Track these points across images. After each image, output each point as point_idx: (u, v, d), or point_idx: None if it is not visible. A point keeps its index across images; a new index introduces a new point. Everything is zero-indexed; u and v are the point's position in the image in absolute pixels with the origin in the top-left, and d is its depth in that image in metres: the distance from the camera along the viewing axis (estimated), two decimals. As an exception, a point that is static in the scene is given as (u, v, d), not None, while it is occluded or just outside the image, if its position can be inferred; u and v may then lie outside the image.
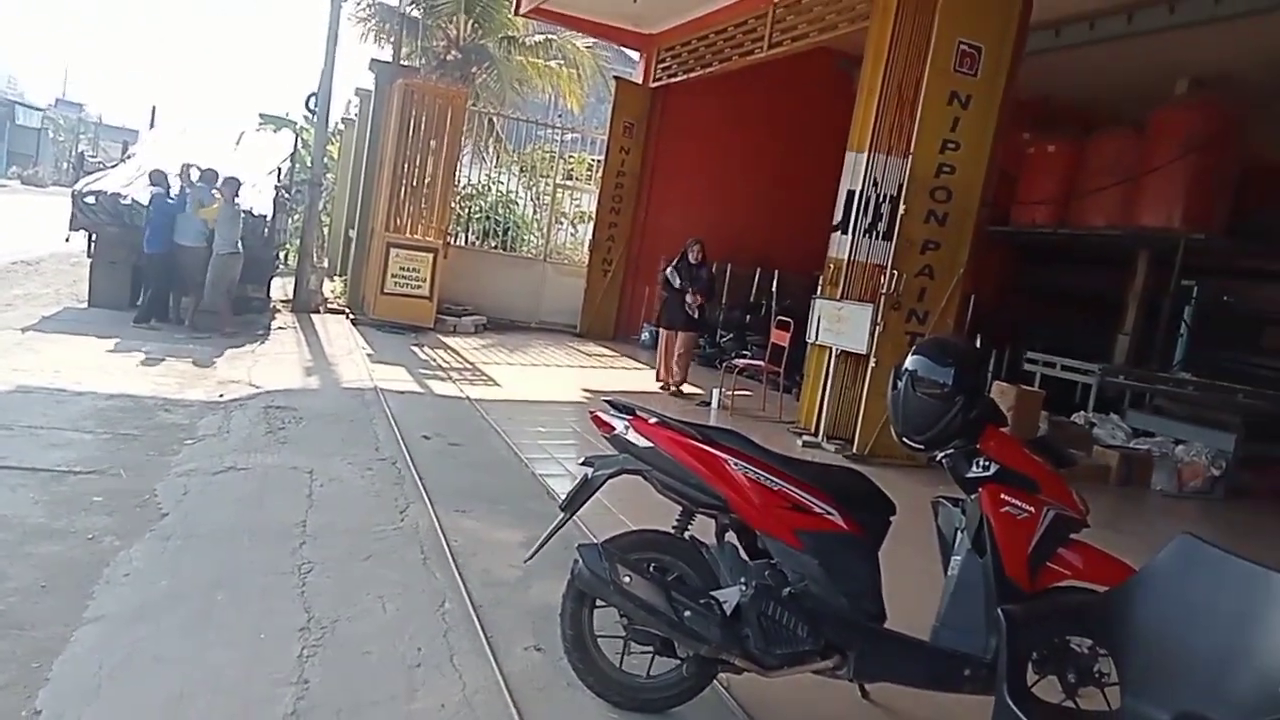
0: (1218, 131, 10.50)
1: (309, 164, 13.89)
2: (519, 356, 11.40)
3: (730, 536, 3.15)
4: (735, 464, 2.98)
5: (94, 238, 10.84)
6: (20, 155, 51.60)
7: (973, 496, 3.07)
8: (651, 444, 3.03)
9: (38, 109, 55.72)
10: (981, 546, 3.00)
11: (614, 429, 3.10)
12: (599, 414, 3.17)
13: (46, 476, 4.83)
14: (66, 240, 10.98)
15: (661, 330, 9.83)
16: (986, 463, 3.04)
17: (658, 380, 9.78)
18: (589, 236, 14.58)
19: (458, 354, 10.78)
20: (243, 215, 10.32)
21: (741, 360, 9.53)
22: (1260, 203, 11.97)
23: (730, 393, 9.17)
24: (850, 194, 7.98)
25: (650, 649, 3.02)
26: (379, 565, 4.07)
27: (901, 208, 7.50)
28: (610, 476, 3.10)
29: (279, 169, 13.49)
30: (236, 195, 10.12)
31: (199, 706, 2.83)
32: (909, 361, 3.09)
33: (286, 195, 13.47)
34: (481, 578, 4.00)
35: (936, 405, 3.00)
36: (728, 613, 2.90)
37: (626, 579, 2.89)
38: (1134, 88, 11.58)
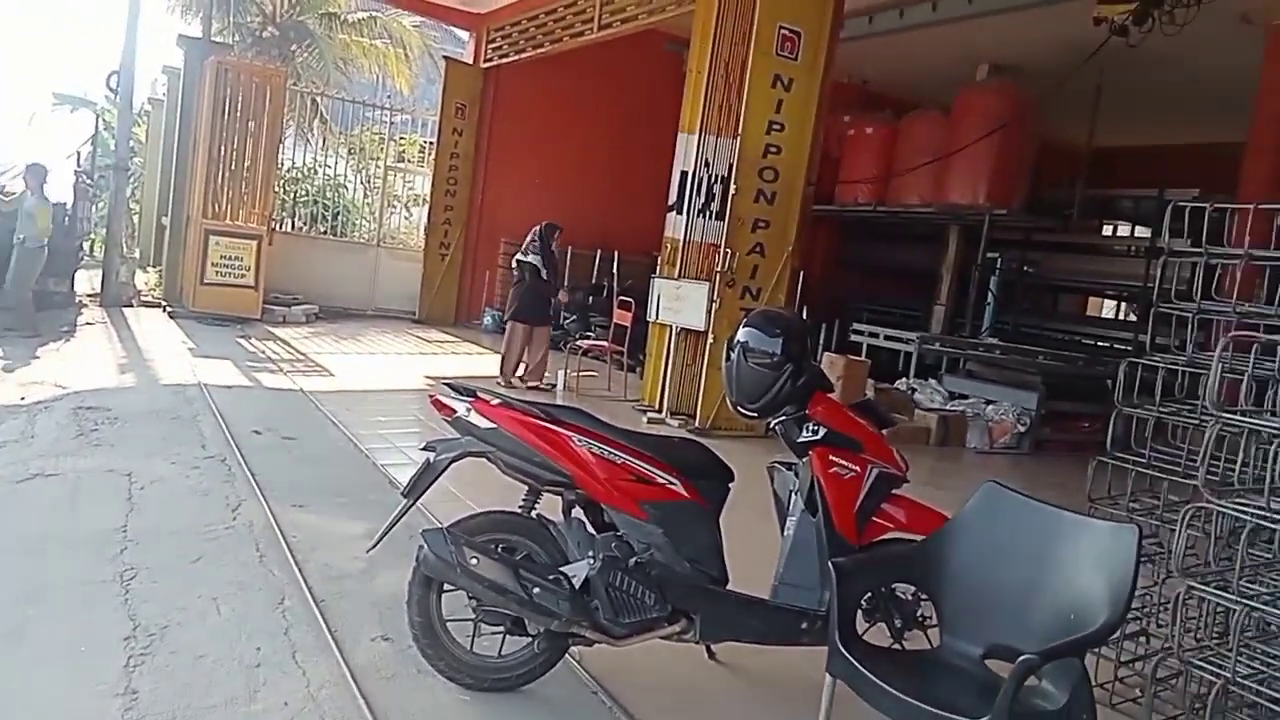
0: (1015, 114, 11.35)
1: (113, 147, 12.88)
2: (355, 345, 11.04)
3: (577, 512, 3.19)
4: (579, 440, 3.02)
5: None
6: None
7: (804, 459, 3.23)
8: (494, 425, 3.03)
9: None
10: (814, 506, 3.17)
11: (455, 412, 3.08)
12: (439, 397, 3.14)
13: None
14: None
15: (515, 323, 8.88)
16: (815, 427, 3.20)
17: (502, 375, 8.92)
18: (424, 220, 14.25)
19: (288, 345, 10.33)
20: (51, 205, 9.49)
21: (585, 341, 9.56)
22: (1053, 181, 13.08)
23: (575, 374, 9.21)
24: (684, 175, 8.16)
25: (500, 629, 3.03)
26: (211, 566, 3.87)
27: (733, 188, 7.73)
28: (453, 460, 3.08)
29: (78, 153, 12.48)
30: (44, 183, 9.25)
31: (12, 729, 2.64)
32: (740, 333, 3.22)
33: (88, 181, 12.47)
34: (323, 572, 3.88)
35: (767, 374, 3.13)
36: (576, 586, 2.94)
37: (473, 561, 2.88)
38: (941, 73, 12.36)
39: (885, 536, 3.21)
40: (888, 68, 13.23)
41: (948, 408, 9.18)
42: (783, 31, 7.64)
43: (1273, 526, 2.59)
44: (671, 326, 8.09)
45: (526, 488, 3.18)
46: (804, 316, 7.88)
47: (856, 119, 13.82)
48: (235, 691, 2.90)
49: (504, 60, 13.35)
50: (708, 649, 3.44)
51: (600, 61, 12.93)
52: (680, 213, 8.17)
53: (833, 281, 14.64)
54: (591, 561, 2.97)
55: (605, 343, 9.63)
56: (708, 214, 8.02)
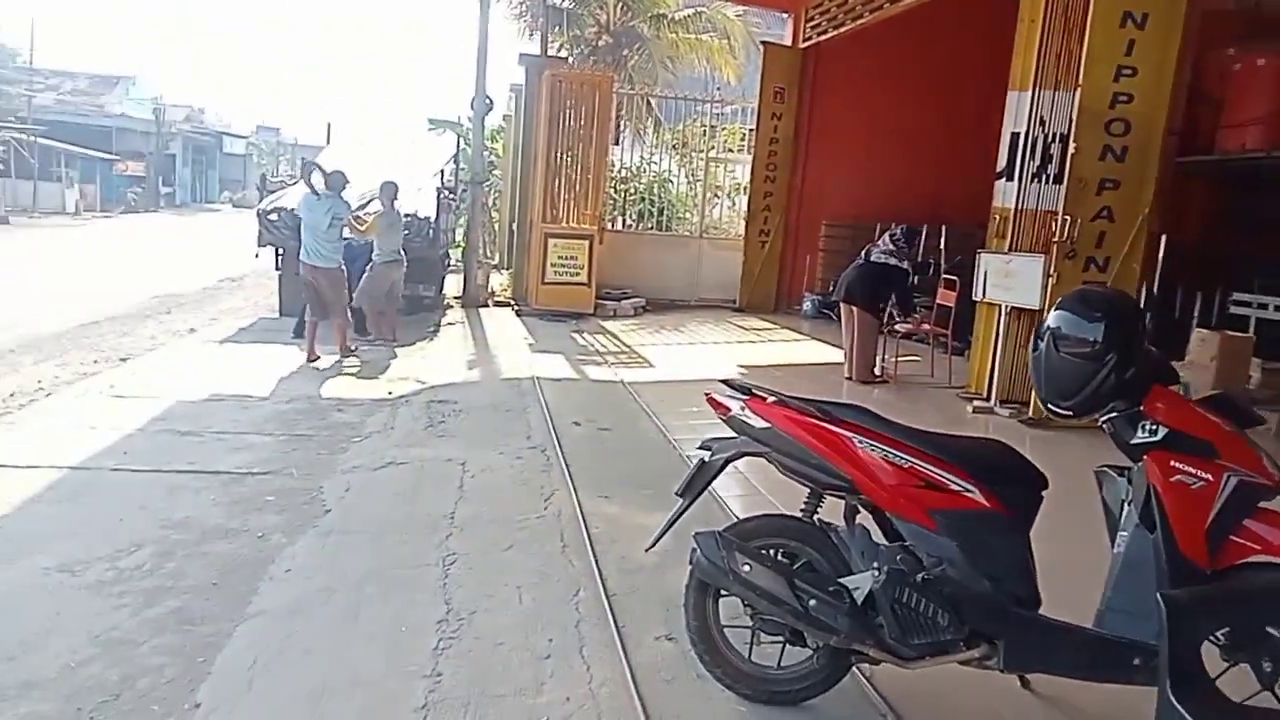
0: None
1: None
2: (676, 336, 11.35)
3: (864, 518, 2.94)
4: (860, 441, 2.77)
5: (280, 252, 11.62)
6: (230, 180, 56.66)
7: (1139, 465, 2.71)
8: (769, 424, 2.87)
9: (242, 136, 60.76)
10: (1150, 521, 2.64)
11: (729, 410, 2.96)
12: (714, 395, 3.04)
13: (228, 479, 5.19)
14: (255, 257, 11.82)
15: (844, 306, 8.52)
16: (1153, 427, 2.67)
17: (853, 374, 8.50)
18: (745, 208, 14.32)
19: (615, 337, 10.85)
20: (403, 219, 10.41)
21: (904, 325, 9.01)
22: None
23: (895, 359, 8.74)
24: (1014, 137, 7.41)
25: (780, 639, 2.86)
26: (519, 554, 4.10)
27: (1072, 146, 6.85)
28: (729, 460, 2.96)
29: (442, 171, 14.00)
30: (395, 199, 10.01)
31: (338, 700, 2.93)
32: (1050, 318, 2.76)
33: (450, 195, 13.96)
34: (619, 565, 3.96)
35: (1084, 366, 2.65)
36: (858, 600, 2.71)
37: (746, 567, 2.75)
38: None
39: (1251, 560, 2.60)
40: (1285, -16, 11.06)
41: (1368, 392, 7.48)
42: (1134, -42, 6.62)
43: None
44: (1001, 306, 7.37)
45: (809, 490, 2.98)
46: (1152, 291, 6.81)
47: (1243, 51, 11.73)
48: (524, 683, 3.01)
49: (823, 38, 12.98)
50: (1021, 678, 3.02)
51: (925, 24, 12.08)
52: (1011, 179, 7.42)
53: (1212, 244, 12.57)
54: (875, 574, 2.71)
55: (928, 324, 9.01)
56: (1043, 178, 7.20)
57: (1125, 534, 2.75)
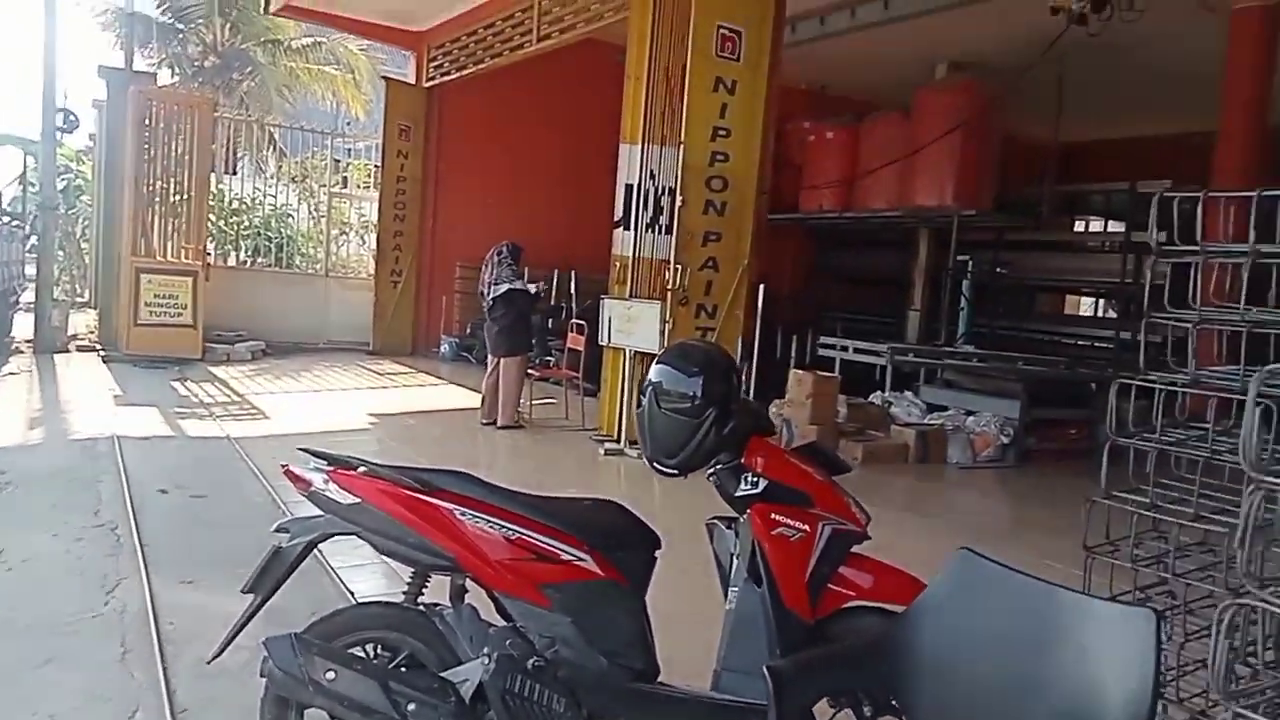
0: (976, 111, 10.94)
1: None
2: (299, 382, 10.42)
3: (475, 594, 2.64)
4: (463, 514, 2.48)
5: None
6: None
7: (744, 517, 2.71)
8: (358, 499, 2.48)
9: None
10: (757, 575, 2.64)
11: (311, 484, 2.53)
12: (291, 468, 2.59)
13: None
14: None
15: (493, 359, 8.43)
16: (754, 479, 2.67)
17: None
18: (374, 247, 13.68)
19: (225, 385, 9.71)
20: None
21: (534, 370, 8.99)
22: (1022, 178, 12.70)
23: (530, 402, 8.66)
24: (629, 188, 7.67)
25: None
26: (60, 671, 3.27)
27: (679, 199, 7.24)
28: (312, 545, 2.54)
29: (1, 193, 11.83)
30: None
31: None
32: (652, 373, 2.68)
33: (14, 223, 11.83)
34: (195, 670, 3.29)
35: (685, 422, 2.59)
36: (465, 696, 2.39)
37: (330, 675, 2.32)
38: (900, 73, 11.96)
39: (848, 606, 2.69)
40: (845, 71, 12.86)
41: (926, 421, 8.68)
42: (722, 31, 7.21)
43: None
44: (626, 350, 7.57)
45: (413, 570, 2.63)
46: (751, 338, 7.40)
47: (816, 124, 13.42)
48: None
49: (446, 78, 12.83)
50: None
51: (551, 75, 12.42)
52: (628, 228, 7.68)
53: (806, 293, 14.20)
54: (484, 663, 2.42)
55: (561, 368, 9.07)
56: (656, 228, 7.53)
57: (735, 589, 2.72)
